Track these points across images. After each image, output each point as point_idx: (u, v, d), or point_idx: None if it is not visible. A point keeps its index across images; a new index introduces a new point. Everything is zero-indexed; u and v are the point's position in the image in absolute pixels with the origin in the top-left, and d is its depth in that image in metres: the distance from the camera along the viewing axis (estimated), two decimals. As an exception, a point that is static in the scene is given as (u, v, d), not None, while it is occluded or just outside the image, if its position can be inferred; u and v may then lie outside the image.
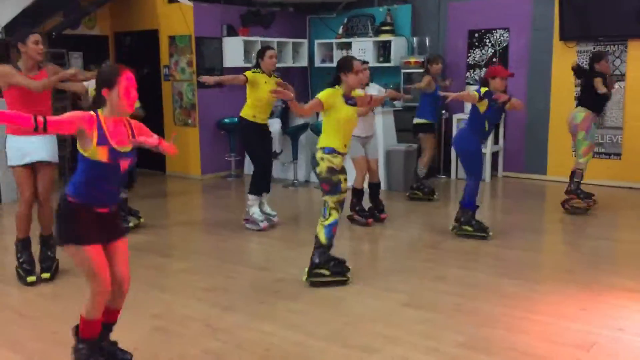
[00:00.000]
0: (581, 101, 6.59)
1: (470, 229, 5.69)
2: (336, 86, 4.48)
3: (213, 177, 8.91)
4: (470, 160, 5.77)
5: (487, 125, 5.59)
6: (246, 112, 5.95)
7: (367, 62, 6.45)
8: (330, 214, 4.47)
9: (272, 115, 8.36)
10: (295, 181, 8.38)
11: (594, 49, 7.78)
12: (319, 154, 4.51)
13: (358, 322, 3.84)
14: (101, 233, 3.01)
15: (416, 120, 7.37)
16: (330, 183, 4.45)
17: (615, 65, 7.77)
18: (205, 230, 6.22)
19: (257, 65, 5.93)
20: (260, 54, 5.93)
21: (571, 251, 5.46)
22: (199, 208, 7.69)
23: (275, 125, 8.27)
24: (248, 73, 5.85)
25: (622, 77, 7.76)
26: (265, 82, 5.83)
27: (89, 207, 2.97)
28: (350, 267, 4.59)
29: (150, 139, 3.17)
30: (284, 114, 8.48)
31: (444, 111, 8.57)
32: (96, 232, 2.99)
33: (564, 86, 8.05)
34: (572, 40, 7.99)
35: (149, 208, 6.75)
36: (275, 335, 3.66)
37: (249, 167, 9.16)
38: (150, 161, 9.34)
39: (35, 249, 4.77)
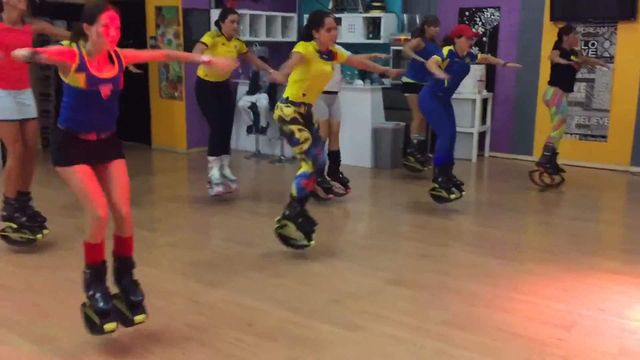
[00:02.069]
0: (550, 79, 6.64)
1: (436, 186, 5.74)
2: (311, 40, 4.41)
3: (199, 151, 8.84)
4: (430, 117, 5.86)
5: (446, 82, 5.49)
6: (200, 72, 5.89)
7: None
8: (300, 165, 4.46)
9: (259, 90, 8.36)
10: (282, 157, 8.34)
11: (584, 30, 7.77)
12: (277, 103, 4.54)
13: (343, 299, 3.85)
14: (90, 157, 3.08)
15: (404, 79, 7.28)
16: (284, 134, 4.46)
17: (605, 47, 7.78)
18: (191, 205, 6.18)
19: (218, 28, 5.84)
20: (222, 17, 5.83)
21: (554, 232, 5.51)
22: (185, 182, 7.64)
23: (262, 101, 8.20)
24: (207, 39, 5.71)
25: (611, 59, 7.77)
26: (223, 44, 5.76)
27: (74, 133, 3.05)
28: (313, 239, 4.50)
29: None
30: (271, 89, 8.40)
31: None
32: (85, 155, 3.06)
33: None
34: (562, 21, 7.95)
35: (134, 181, 6.64)
36: (259, 310, 3.66)
37: (235, 142, 9.11)
38: (136, 134, 9.27)
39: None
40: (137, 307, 3.21)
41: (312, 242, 4.52)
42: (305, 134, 4.41)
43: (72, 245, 4.73)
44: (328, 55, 4.49)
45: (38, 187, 5.13)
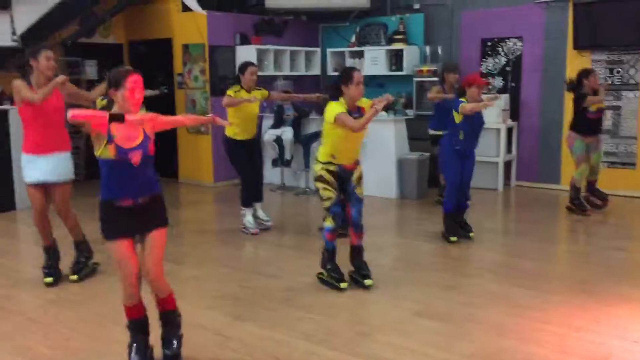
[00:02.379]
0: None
1: (444, 231, 5.85)
2: (340, 99, 4.46)
3: (225, 185, 8.94)
4: (441, 162, 5.99)
5: (461, 134, 5.61)
6: (229, 131, 5.99)
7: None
8: (324, 220, 4.61)
9: (284, 124, 8.45)
10: (307, 189, 8.38)
11: (608, 57, 7.74)
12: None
13: (369, 332, 3.82)
14: (131, 226, 3.22)
15: (431, 132, 7.35)
16: (316, 188, 4.66)
17: (630, 75, 7.71)
18: (217, 238, 6.23)
19: (237, 81, 5.97)
20: (242, 70, 5.96)
21: (584, 261, 5.41)
22: (211, 215, 7.71)
23: (287, 134, 8.29)
24: (230, 93, 5.88)
25: (635, 86, 7.70)
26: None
27: (112, 202, 3.19)
28: (346, 281, 4.61)
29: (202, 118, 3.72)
30: (296, 122, 8.49)
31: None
32: (124, 226, 3.20)
33: (566, 90, 7.99)
34: (585, 49, 7.95)
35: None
36: (286, 344, 3.65)
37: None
38: (163, 168, 9.41)
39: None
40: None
41: (343, 284, 4.56)
42: (328, 193, 4.53)
43: (102, 280, 4.80)
44: (357, 112, 4.50)
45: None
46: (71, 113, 2.94)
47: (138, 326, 3.34)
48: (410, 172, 7.81)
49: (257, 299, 4.44)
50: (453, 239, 5.76)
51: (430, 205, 7.34)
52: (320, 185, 4.57)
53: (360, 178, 4.65)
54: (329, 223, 4.55)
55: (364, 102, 4.57)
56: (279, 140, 8.40)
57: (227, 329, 3.88)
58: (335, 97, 4.49)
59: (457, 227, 5.83)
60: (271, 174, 9.02)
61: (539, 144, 8.52)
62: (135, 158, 3.14)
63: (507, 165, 8.56)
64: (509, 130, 8.51)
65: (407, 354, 3.49)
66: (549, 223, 6.74)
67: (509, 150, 8.54)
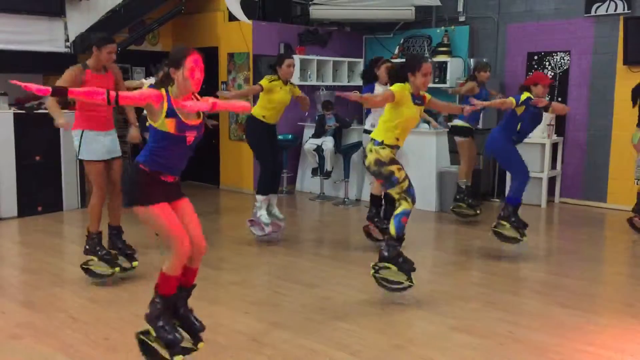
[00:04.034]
0: (638, 121, 6.51)
1: (506, 224, 5.65)
2: (406, 83, 4.45)
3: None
4: (504, 159, 5.84)
5: (519, 126, 5.58)
6: (256, 112, 6.01)
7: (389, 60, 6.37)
8: (399, 204, 4.46)
9: (325, 134, 8.48)
10: (346, 199, 8.37)
11: (660, 73, 7.51)
12: (369, 146, 4.56)
13: (405, 345, 3.78)
14: (165, 196, 3.23)
15: (454, 122, 7.21)
16: (382, 176, 4.49)
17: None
18: (256, 246, 6.27)
19: (275, 72, 5.98)
20: (279, 62, 5.96)
21: (631, 283, 5.23)
22: (250, 223, 7.76)
23: (327, 144, 8.31)
24: (264, 82, 5.89)
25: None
26: (280, 88, 5.91)
27: (155, 174, 3.20)
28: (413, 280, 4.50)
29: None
30: (337, 133, 8.51)
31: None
32: (162, 195, 3.21)
33: (626, 111, 7.76)
34: (636, 65, 7.73)
35: (202, 221, 6.84)
36: (320, 353, 3.64)
37: (300, 184, 9.24)
38: (205, 175, 9.56)
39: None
40: (199, 335, 3.34)
41: (412, 281, 4.47)
42: (404, 173, 4.48)
43: (142, 282, 4.89)
44: (420, 99, 4.53)
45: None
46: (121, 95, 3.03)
47: (170, 302, 3.27)
48: (451, 185, 7.71)
49: (293, 307, 4.44)
50: (525, 239, 5.64)
51: (471, 220, 7.22)
52: (394, 167, 4.44)
53: None
54: (407, 205, 4.43)
55: (427, 96, 4.61)
56: (319, 150, 8.43)
57: (262, 335, 3.89)
58: (401, 80, 4.44)
59: (521, 227, 5.67)
60: (310, 183, 9.06)
61: (584, 161, 8.31)
62: (190, 137, 3.20)
63: (551, 181, 8.37)
64: (554, 146, 8.33)
65: (443, 369, 3.43)
66: (594, 242, 6.56)
67: (553, 165, 8.36)
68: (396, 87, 4.41)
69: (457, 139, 7.17)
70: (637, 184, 6.56)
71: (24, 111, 7.31)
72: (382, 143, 4.48)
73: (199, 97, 3.32)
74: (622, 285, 5.25)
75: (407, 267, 4.45)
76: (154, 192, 3.19)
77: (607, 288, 5.22)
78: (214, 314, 4.24)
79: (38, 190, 7.38)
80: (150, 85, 3.40)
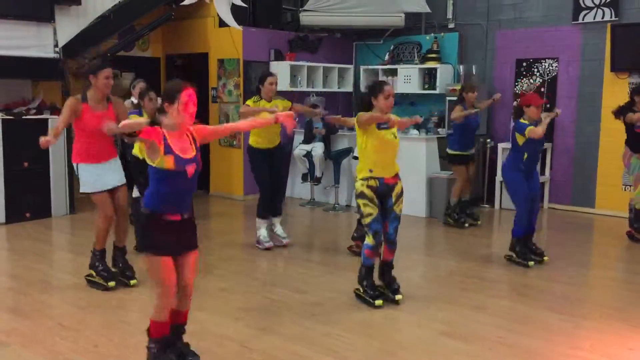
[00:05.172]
0: (634, 146, 6.64)
1: (512, 255, 5.74)
2: (371, 109, 4.50)
3: (255, 198, 8.96)
4: (508, 189, 5.86)
5: (525, 155, 5.56)
6: (251, 139, 6.07)
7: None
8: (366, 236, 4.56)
9: (314, 139, 8.49)
10: (336, 205, 8.38)
11: (647, 80, 7.59)
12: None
13: (395, 350, 3.78)
14: (175, 243, 3.24)
15: (449, 151, 7.32)
16: (357, 205, 4.62)
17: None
18: (245, 251, 6.26)
19: (258, 91, 6.01)
20: (261, 80, 6.00)
21: (618, 287, 5.27)
22: (240, 229, 7.76)
23: (317, 150, 8.32)
24: (250, 103, 5.95)
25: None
26: (264, 107, 5.90)
27: (160, 215, 3.19)
28: (384, 295, 4.58)
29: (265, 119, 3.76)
30: (326, 138, 8.53)
31: (489, 140, 8.50)
32: (170, 242, 3.21)
33: (614, 118, 7.85)
34: (623, 72, 7.82)
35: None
36: (310, 358, 3.64)
37: (291, 190, 9.23)
38: (194, 181, 9.53)
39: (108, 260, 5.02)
40: None
41: (378, 302, 4.52)
42: (369, 210, 4.49)
43: (132, 289, 4.87)
44: (386, 124, 4.50)
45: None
46: (122, 124, 2.99)
47: (164, 344, 3.34)
48: (441, 191, 7.75)
49: (283, 312, 4.44)
50: (531, 263, 5.62)
51: (460, 225, 7.25)
52: (361, 201, 4.53)
53: (400, 195, 4.61)
54: (369, 240, 4.51)
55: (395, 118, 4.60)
56: (309, 156, 8.44)
57: (252, 341, 3.88)
58: (365, 110, 4.52)
59: (527, 251, 5.69)
60: (301, 189, 9.06)
61: (573, 167, 8.37)
62: (191, 170, 3.20)
63: (540, 187, 8.41)
64: (543, 152, 8.38)
65: (432, 374, 3.44)
66: (583, 247, 6.60)
67: (542, 172, 8.41)
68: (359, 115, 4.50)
69: (455, 167, 7.30)
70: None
71: (12, 117, 7.27)
72: (356, 176, 4.61)
73: (193, 132, 3.32)
74: (611, 289, 5.28)
75: (370, 292, 4.57)
76: (160, 239, 3.19)
77: (596, 293, 5.25)
78: (202, 321, 4.23)
79: (26, 197, 7.33)
80: (131, 112, 3.36)
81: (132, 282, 4.95)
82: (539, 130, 5.37)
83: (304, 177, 8.68)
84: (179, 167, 3.15)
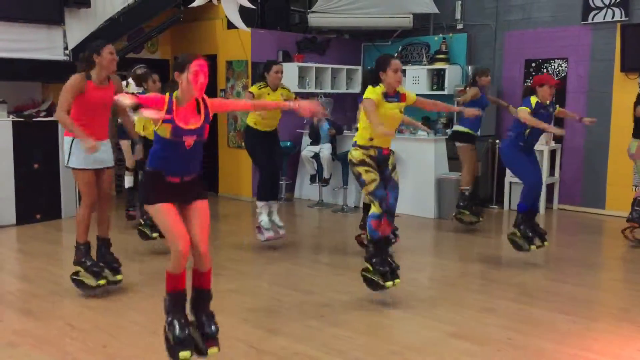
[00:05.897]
0: (634, 131, 6.53)
1: (517, 232, 5.66)
2: (379, 84, 4.51)
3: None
4: (512, 166, 5.84)
5: (526, 131, 5.52)
6: (249, 120, 6.14)
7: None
8: (371, 207, 4.51)
9: (321, 140, 8.49)
10: (345, 206, 8.37)
11: (657, 80, 7.55)
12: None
13: (404, 351, 3.77)
14: (174, 196, 3.30)
15: (456, 128, 7.19)
16: (354, 175, 4.60)
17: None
18: (254, 252, 6.27)
19: (263, 79, 6.05)
20: (267, 68, 6.04)
21: (628, 289, 5.24)
22: (249, 230, 7.75)
23: (325, 151, 8.32)
24: (254, 89, 5.99)
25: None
26: (269, 94, 5.97)
27: (160, 174, 3.28)
28: (398, 276, 4.53)
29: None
30: (334, 139, 8.53)
31: (497, 140, 8.46)
32: (169, 195, 3.27)
33: (624, 118, 7.79)
34: (634, 72, 7.77)
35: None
36: (318, 359, 3.63)
37: (299, 191, 9.25)
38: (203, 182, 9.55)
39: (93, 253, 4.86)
40: (212, 339, 3.31)
41: (388, 283, 4.47)
42: (372, 176, 4.48)
43: (140, 289, 4.89)
44: (396, 97, 4.56)
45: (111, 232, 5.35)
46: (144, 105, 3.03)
47: (178, 300, 3.28)
48: (449, 192, 7.72)
49: (292, 314, 4.44)
50: (534, 247, 5.61)
51: (469, 227, 7.22)
52: (361, 169, 4.50)
53: (395, 165, 4.67)
54: (375, 209, 4.45)
55: (407, 93, 4.63)
56: (316, 157, 8.44)
57: (260, 342, 3.89)
58: (375, 83, 4.53)
59: (531, 233, 5.64)
60: (309, 190, 9.07)
61: (583, 167, 8.33)
62: (189, 141, 3.25)
63: (550, 188, 8.39)
64: (552, 153, 8.35)
65: (441, 375, 3.43)
66: (593, 249, 6.56)
67: (551, 172, 8.38)
68: (369, 93, 4.49)
69: (458, 144, 7.15)
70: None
71: (22, 119, 7.33)
72: (355, 144, 4.59)
73: (206, 98, 3.36)
74: (620, 291, 5.25)
75: (381, 269, 4.47)
76: (159, 191, 3.26)
77: (606, 294, 5.22)
78: (211, 321, 4.23)
79: (36, 198, 7.38)
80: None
81: (119, 277, 4.78)
82: (532, 119, 5.33)
83: (312, 179, 8.69)
84: (176, 137, 3.22)
